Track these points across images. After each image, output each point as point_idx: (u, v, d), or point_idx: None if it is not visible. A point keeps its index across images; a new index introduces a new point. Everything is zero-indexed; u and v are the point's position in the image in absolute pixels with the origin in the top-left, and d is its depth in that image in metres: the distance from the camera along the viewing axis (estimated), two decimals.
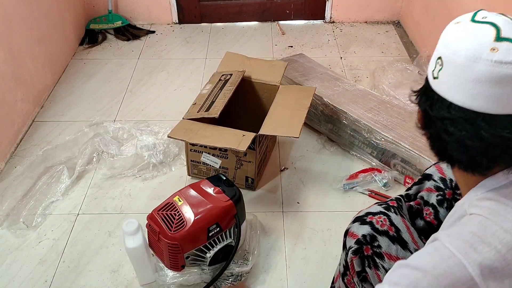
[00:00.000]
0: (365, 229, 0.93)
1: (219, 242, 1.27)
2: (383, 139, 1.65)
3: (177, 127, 1.50)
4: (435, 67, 0.68)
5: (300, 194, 1.66)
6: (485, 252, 0.62)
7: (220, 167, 1.62)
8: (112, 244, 1.49)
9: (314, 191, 1.67)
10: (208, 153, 1.60)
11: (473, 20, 0.66)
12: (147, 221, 1.26)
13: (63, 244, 1.50)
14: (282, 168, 1.77)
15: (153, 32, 2.73)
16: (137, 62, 2.46)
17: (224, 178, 1.35)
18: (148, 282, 1.36)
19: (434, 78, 0.68)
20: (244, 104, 1.82)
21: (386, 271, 0.88)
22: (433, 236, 0.70)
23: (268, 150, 1.76)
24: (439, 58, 0.67)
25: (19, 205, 1.59)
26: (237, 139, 1.42)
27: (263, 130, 1.48)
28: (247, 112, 1.83)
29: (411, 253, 0.88)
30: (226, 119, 1.69)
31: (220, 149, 1.56)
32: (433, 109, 0.68)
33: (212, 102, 1.58)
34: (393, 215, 0.92)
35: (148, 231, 1.26)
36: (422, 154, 1.55)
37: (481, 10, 0.68)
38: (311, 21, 2.83)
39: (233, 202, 1.27)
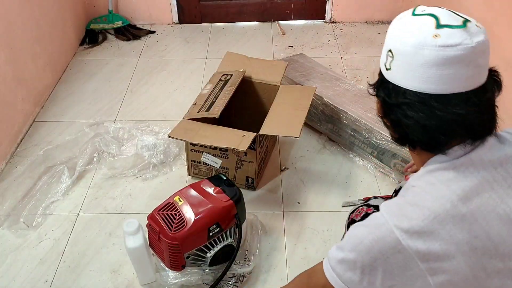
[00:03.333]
0: None
1: (220, 242, 1.27)
2: (383, 139, 1.65)
3: (177, 127, 1.50)
4: (386, 60, 0.74)
5: (301, 194, 1.66)
6: (414, 218, 0.69)
7: (220, 167, 1.61)
8: (112, 244, 1.49)
9: (315, 191, 1.67)
10: (209, 153, 1.60)
11: (414, 14, 0.73)
12: (147, 221, 1.26)
13: (64, 244, 1.50)
14: (283, 168, 1.77)
15: (154, 32, 2.73)
16: (138, 62, 2.46)
17: (225, 178, 1.35)
18: (149, 282, 1.36)
19: (387, 69, 0.74)
20: (244, 104, 1.82)
21: None
22: (381, 204, 0.77)
23: (268, 150, 1.76)
24: (389, 50, 0.73)
25: (19, 205, 1.59)
26: (238, 139, 1.42)
27: (263, 130, 1.48)
28: (247, 112, 1.82)
29: None
30: (226, 119, 1.69)
31: (220, 149, 1.56)
32: (390, 97, 0.74)
33: (213, 102, 1.58)
34: (373, 201, 0.97)
35: (148, 231, 1.26)
36: None
37: (419, 5, 0.75)
38: (312, 21, 2.83)
39: (233, 202, 1.27)
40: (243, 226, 1.35)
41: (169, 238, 1.18)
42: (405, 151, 1.59)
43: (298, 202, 1.63)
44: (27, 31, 2.01)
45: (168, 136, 1.47)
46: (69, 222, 1.57)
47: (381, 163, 1.70)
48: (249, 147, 1.41)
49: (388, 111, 0.76)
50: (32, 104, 2.04)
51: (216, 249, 1.26)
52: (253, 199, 1.63)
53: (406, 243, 0.68)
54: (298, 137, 1.43)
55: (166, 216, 1.22)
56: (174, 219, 1.21)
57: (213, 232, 1.24)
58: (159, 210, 1.24)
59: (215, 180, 1.34)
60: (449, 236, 0.68)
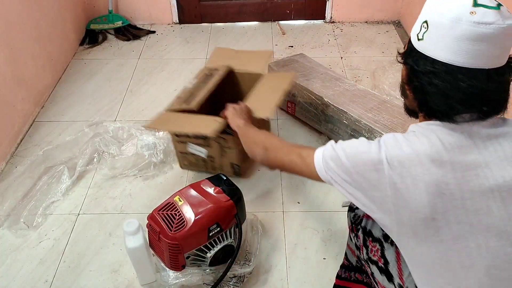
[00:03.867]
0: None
1: (220, 242, 1.27)
2: None
3: (157, 118, 1.55)
4: (420, 30, 0.79)
5: (301, 194, 1.66)
6: (402, 150, 0.77)
7: (207, 156, 1.63)
8: (112, 244, 1.49)
9: (315, 191, 1.67)
10: (192, 143, 1.62)
11: None
12: (147, 221, 1.26)
13: (64, 244, 1.50)
14: None
15: (154, 32, 2.73)
16: (138, 62, 2.46)
17: (225, 178, 1.35)
18: (149, 282, 1.36)
19: (419, 39, 0.79)
20: (233, 96, 1.82)
21: (364, 229, 1.02)
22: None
23: None
24: (425, 21, 0.78)
25: (19, 206, 1.59)
26: (209, 125, 1.45)
27: None
28: (233, 102, 1.84)
29: (395, 287, 0.91)
30: (216, 112, 1.68)
31: (203, 138, 1.59)
32: (419, 65, 0.79)
33: (195, 96, 1.63)
34: (387, 246, 0.94)
35: (148, 231, 1.26)
36: None
37: None
38: (312, 21, 2.83)
39: (233, 202, 1.27)
40: (243, 226, 1.35)
41: (169, 238, 1.18)
42: None
43: (298, 202, 1.63)
44: (27, 31, 2.01)
45: (142, 126, 1.53)
46: (69, 222, 1.57)
47: None
48: (227, 133, 1.45)
49: (413, 78, 0.81)
50: (32, 104, 2.04)
51: (216, 249, 1.26)
52: (253, 199, 1.63)
53: (387, 165, 0.76)
54: (267, 118, 1.50)
55: (166, 216, 1.22)
56: (174, 219, 1.21)
57: (213, 232, 1.24)
58: (159, 210, 1.24)
59: (215, 180, 1.34)
60: (423, 174, 0.74)
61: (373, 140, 0.84)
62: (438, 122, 0.80)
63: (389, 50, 2.51)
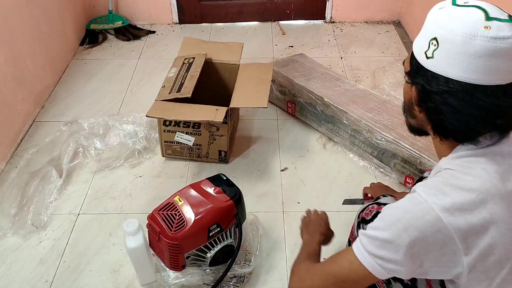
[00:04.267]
0: None
1: (220, 242, 1.27)
2: (383, 139, 1.65)
3: (153, 108, 1.58)
4: (428, 48, 0.75)
5: (301, 194, 1.66)
6: (456, 197, 0.71)
7: (193, 144, 1.69)
8: (112, 244, 1.49)
9: (315, 191, 1.67)
10: (182, 132, 1.67)
11: (455, 4, 0.74)
12: (147, 221, 1.26)
13: (64, 244, 1.50)
14: (283, 168, 1.77)
15: (154, 32, 2.73)
16: (138, 62, 2.46)
17: (225, 178, 1.35)
18: (149, 282, 1.36)
19: (428, 57, 0.75)
20: (207, 84, 1.87)
21: None
22: (412, 189, 0.78)
23: (235, 124, 1.90)
24: (434, 39, 0.74)
25: (21, 210, 1.56)
26: (212, 113, 1.53)
27: (233, 104, 1.60)
28: (210, 92, 1.88)
29: None
30: (192, 100, 1.71)
31: (193, 126, 1.66)
32: (431, 85, 0.74)
33: (182, 84, 1.66)
34: (383, 199, 0.94)
35: (148, 231, 1.26)
36: (423, 154, 1.55)
37: None
38: (312, 21, 2.83)
39: (233, 202, 1.27)
40: (243, 226, 1.35)
41: (169, 238, 1.18)
42: (405, 151, 1.59)
43: (298, 202, 1.63)
44: (27, 31, 2.01)
45: (146, 116, 1.55)
46: (69, 222, 1.57)
47: (381, 163, 1.70)
48: (224, 121, 1.53)
49: (426, 98, 0.77)
50: (32, 104, 2.04)
51: (216, 249, 1.26)
52: (253, 199, 1.63)
53: (448, 220, 0.70)
54: (266, 107, 1.57)
55: (166, 216, 1.22)
56: (174, 219, 1.21)
57: (213, 232, 1.24)
58: (159, 210, 1.24)
59: (215, 180, 1.34)
60: (490, 214, 0.70)
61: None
62: (465, 151, 0.77)
63: (389, 50, 2.51)
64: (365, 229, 0.78)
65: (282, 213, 1.59)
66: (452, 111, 0.73)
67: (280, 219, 1.57)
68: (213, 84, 1.90)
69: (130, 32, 2.69)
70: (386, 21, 2.79)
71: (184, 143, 1.70)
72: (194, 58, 1.82)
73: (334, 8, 2.76)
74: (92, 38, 2.63)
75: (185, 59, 1.83)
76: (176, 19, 2.81)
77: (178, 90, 1.63)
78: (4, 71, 1.81)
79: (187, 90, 1.62)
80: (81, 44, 2.60)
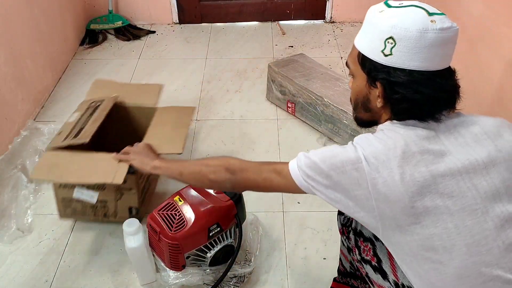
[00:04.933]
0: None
1: (220, 242, 1.27)
2: None
3: (40, 163, 1.35)
4: (385, 47, 0.82)
5: (301, 194, 1.66)
6: (376, 147, 0.81)
7: (97, 201, 1.42)
8: (112, 244, 1.49)
9: None
10: (82, 186, 1.40)
11: (392, 6, 0.84)
12: (147, 221, 1.26)
13: (64, 244, 1.50)
14: None
15: (154, 32, 2.73)
16: (138, 62, 2.46)
17: None
18: (149, 282, 1.36)
19: (386, 55, 0.82)
20: (121, 132, 1.68)
21: (354, 230, 1.03)
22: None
23: (152, 176, 1.60)
24: (390, 38, 0.81)
25: (2, 218, 1.54)
26: (112, 168, 1.29)
27: None
28: (125, 140, 1.61)
29: (390, 284, 0.93)
30: (99, 150, 1.55)
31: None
32: (397, 78, 0.82)
33: (81, 129, 1.43)
34: (379, 244, 0.95)
35: (148, 231, 1.26)
36: None
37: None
38: (312, 21, 2.83)
39: (233, 202, 1.27)
40: (243, 226, 1.35)
41: (169, 238, 1.18)
42: None
43: (298, 202, 1.63)
44: (27, 31, 2.01)
45: (31, 178, 1.33)
46: (69, 222, 1.57)
47: None
48: (128, 172, 1.29)
49: (391, 91, 0.84)
50: (32, 104, 2.04)
51: (216, 249, 1.26)
52: (253, 199, 1.63)
53: (365, 163, 0.80)
54: (181, 153, 1.37)
55: (166, 216, 1.22)
56: (174, 219, 1.21)
57: (213, 232, 1.24)
58: (159, 210, 1.24)
59: None
60: (397, 165, 0.78)
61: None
62: (401, 122, 0.86)
63: None
64: (313, 155, 0.88)
65: (282, 213, 1.59)
66: (423, 97, 0.81)
67: (280, 219, 1.57)
68: (128, 130, 1.67)
69: (130, 32, 2.69)
70: None
71: (85, 200, 1.42)
72: (102, 101, 1.58)
73: (334, 8, 2.76)
74: (92, 38, 2.63)
75: (92, 102, 1.58)
76: (176, 19, 2.81)
77: (76, 136, 1.39)
78: (4, 71, 1.81)
79: (86, 135, 1.37)
80: (81, 44, 2.60)
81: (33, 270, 1.42)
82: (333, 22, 2.81)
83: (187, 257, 1.24)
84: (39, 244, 1.49)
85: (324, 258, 1.44)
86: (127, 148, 1.32)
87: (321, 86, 1.88)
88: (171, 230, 1.19)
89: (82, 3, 2.64)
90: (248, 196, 1.61)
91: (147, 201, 1.57)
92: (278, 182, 0.95)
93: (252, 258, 1.36)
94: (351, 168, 0.81)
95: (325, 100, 1.81)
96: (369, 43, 0.86)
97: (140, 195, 1.46)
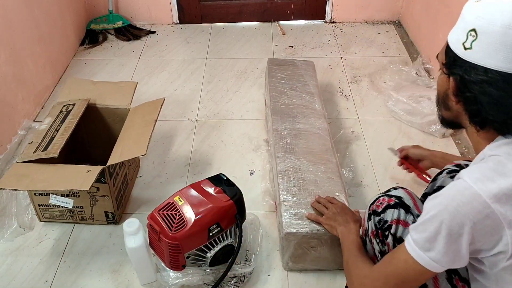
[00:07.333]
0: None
1: (220, 242, 1.27)
2: None
3: (8, 174, 1.35)
4: (466, 39, 0.76)
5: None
6: (502, 183, 0.71)
7: (73, 206, 1.46)
8: (112, 244, 1.49)
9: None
10: (56, 194, 1.43)
11: None
12: (147, 221, 1.26)
13: (64, 244, 1.50)
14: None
15: (154, 32, 2.73)
16: (138, 62, 2.46)
17: (225, 178, 1.35)
18: (149, 282, 1.36)
19: (466, 49, 0.76)
20: (96, 133, 1.68)
21: (394, 236, 0.95)
22: (457, 175, 0.78)
23: (129, 177, 1.64)
24: (472, 30, 0.75)
25: (3, 217, 1.54)
26: (81, 177, 1.30)
27: (111, 160, 1.37)
28: (101, 141, 1.66)
29: (413, 216, 0.89)
30: (80, 153, 1.58)
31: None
32: (470, 75, 0.76)
33: (52, 139, 1.43)
34: (394, 191, 0.95)
35: (148, 231, 1.26)
36: None
37: None
38: (312, 21, 2.83)
39: (233, 202, 1.27)
40: (243, 226, 1.35)
41: (169, 238, 1.18)
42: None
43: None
44: (27, 31, 2.01)
45: None
46: (69, 222, 1.57)
47: None
48: (99, 181, 1.31)
49: (464, 88, 0.78)
50: (32, 104, 2.04)
51: (216, 249, 1.26)
52: (253, 199, 1.63)
53: (495, 206, 0.70)
54: (144, 155, 1.35)
55: (166, 216, 1.22)
56: (175, 219, 1.21)
57: (213, 232, 1.24)
58: (160, 210, 1.24)
59: (215, 180, 1.34)
60: None
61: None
62: (509, 139, 0.77)
63: (389, 50, 2.51)
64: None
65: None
66: (491, 101, 0.74)
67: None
68: (103, 131, 1.66)
69: (130, 32, 2.69)
70: (386, 21, 2.79)
71: (62, 205, 1.46)
72: (74, 104, 1.57)
73: (334, 8, 2.76)
74: (92, 38, 2.63)
75: (64, 106, 1.57)
76: (176, 19, 2.81)
77: (46, 148, 1.39)
78: (4, 71, 1.81)
79: (55, 149, 1.37)
80: (81, 44, 2.60)
81: (33, 270, 1.42)
82: (333, 22, 2.81)
83: (187, 257, 1.24)
84: (39, 244, 1.49)
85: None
86: (325, 204, 1.30)
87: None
88: (171, 230, 1.19)
89: (82, 3, 2.64)
90: (249, 196, 1.61)
91: (124, 205, 1.59)
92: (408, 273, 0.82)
93: (252, 258, 1.36)
94: (483, 217, 0.73)
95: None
96: (455, 33, 0.80)
97: (115, 201, 1.49)
